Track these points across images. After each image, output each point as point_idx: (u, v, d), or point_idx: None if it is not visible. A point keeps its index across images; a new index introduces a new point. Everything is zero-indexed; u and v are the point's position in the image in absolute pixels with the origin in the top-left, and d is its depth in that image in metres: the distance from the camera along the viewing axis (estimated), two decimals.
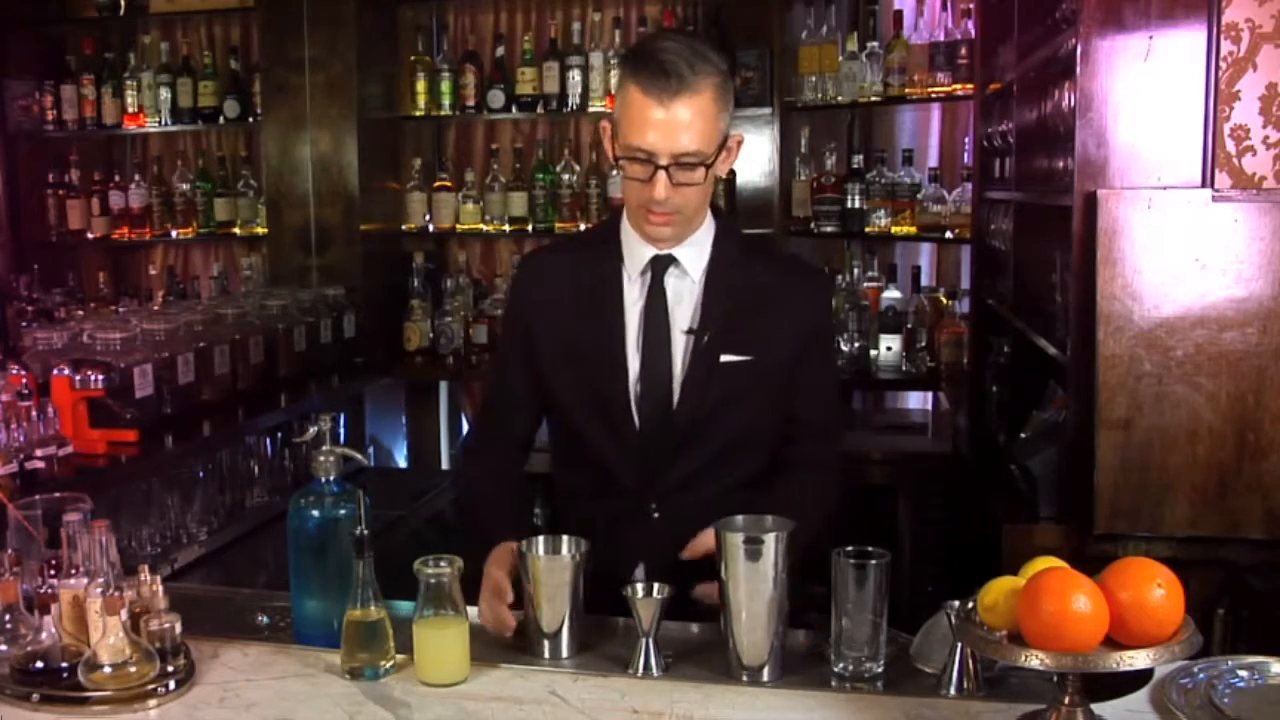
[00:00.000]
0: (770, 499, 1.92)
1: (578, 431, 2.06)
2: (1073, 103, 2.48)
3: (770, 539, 1.62)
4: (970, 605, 1.47)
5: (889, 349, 4.25)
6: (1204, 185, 2.38)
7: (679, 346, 2.01)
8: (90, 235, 5.09)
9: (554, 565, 1.73)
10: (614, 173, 4.58)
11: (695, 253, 2.03)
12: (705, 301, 2.01)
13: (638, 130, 1.87)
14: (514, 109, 4.64)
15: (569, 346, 2.04)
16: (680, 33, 1.79)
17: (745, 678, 1.64)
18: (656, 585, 1.69)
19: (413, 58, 4.74)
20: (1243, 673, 1.54)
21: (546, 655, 1.73)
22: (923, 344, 4.29)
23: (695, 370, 1.99)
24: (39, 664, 1.61)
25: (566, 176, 4.63)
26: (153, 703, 1.58)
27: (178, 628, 1.63)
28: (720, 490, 2.00)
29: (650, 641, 1.68)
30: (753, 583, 1.62)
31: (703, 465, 2.01)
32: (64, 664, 1.60)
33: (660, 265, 2.02)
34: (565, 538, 1.76)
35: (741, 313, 2.01)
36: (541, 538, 1.77)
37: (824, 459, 2.09)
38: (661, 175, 1.88)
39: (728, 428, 2.01)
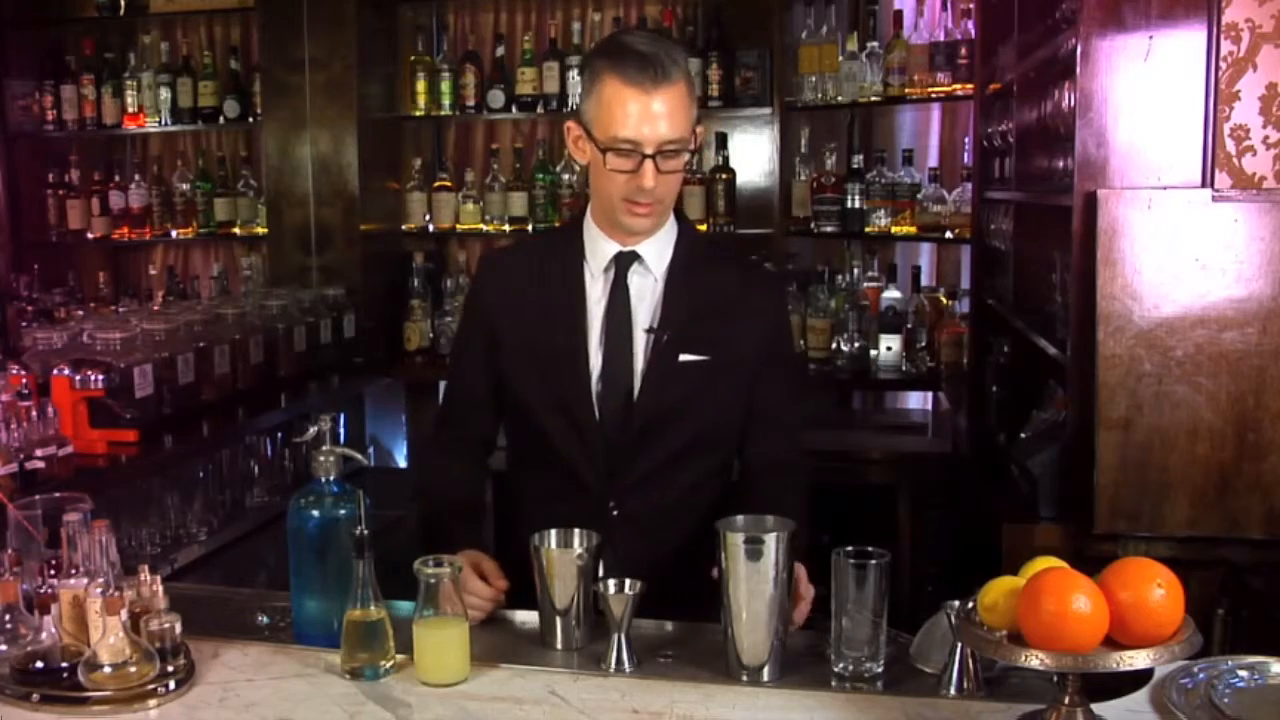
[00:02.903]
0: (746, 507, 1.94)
1: (540, 430, 2.07)
2: (1073, 103, 2.48)
3: (771, 539, 1.62)
4: (970, 605, 1.47)
5: (889, 349, 4.25)
6: (1204, 185, 2.38)
7: (640, 344, 2.04)
8: (90, 235, 5.09)
9: (567, 558, 1.75)
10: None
11: (659, 250, 2.06)
12: (666, 301, 2.04)
13: (620, 122, 1.91)
14: (514, 109, 4.64)
15: (532, 345, 2.06)
16: (643, 29, 1.83)
17: (745, 678, 1.64)
18: (629, 581, 1.70)
19: (413, 58, 4.73)
20: (1243, 673, 1.54)
21: (559, 646, 1.76)
22: (923, 344, 4.29)
23: (654, 368, 2.02)
24: (39, 664, 1.61)
25: (566, 176, 4.63)
26: (153, 703, 1.58)
27: (178, 628, 1.63)
28: (678, 490, 2.04)
29: (623, 636, 1.69)
30: (753, 582, 1.62)
31: (662, 464, 2.03)
32: (64, 664, 1.60)
33: (624, 262, 2.05)
34: (577, 531, 1.79)
35: (701, 313, 2.05)
36: (554, 531, 1.79)
37: (787, 458, 2.10)
38: (649, 164, 1.91)
39: (686, 427, 2.04)
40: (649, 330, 2.03)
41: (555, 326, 2.05)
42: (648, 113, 1.89)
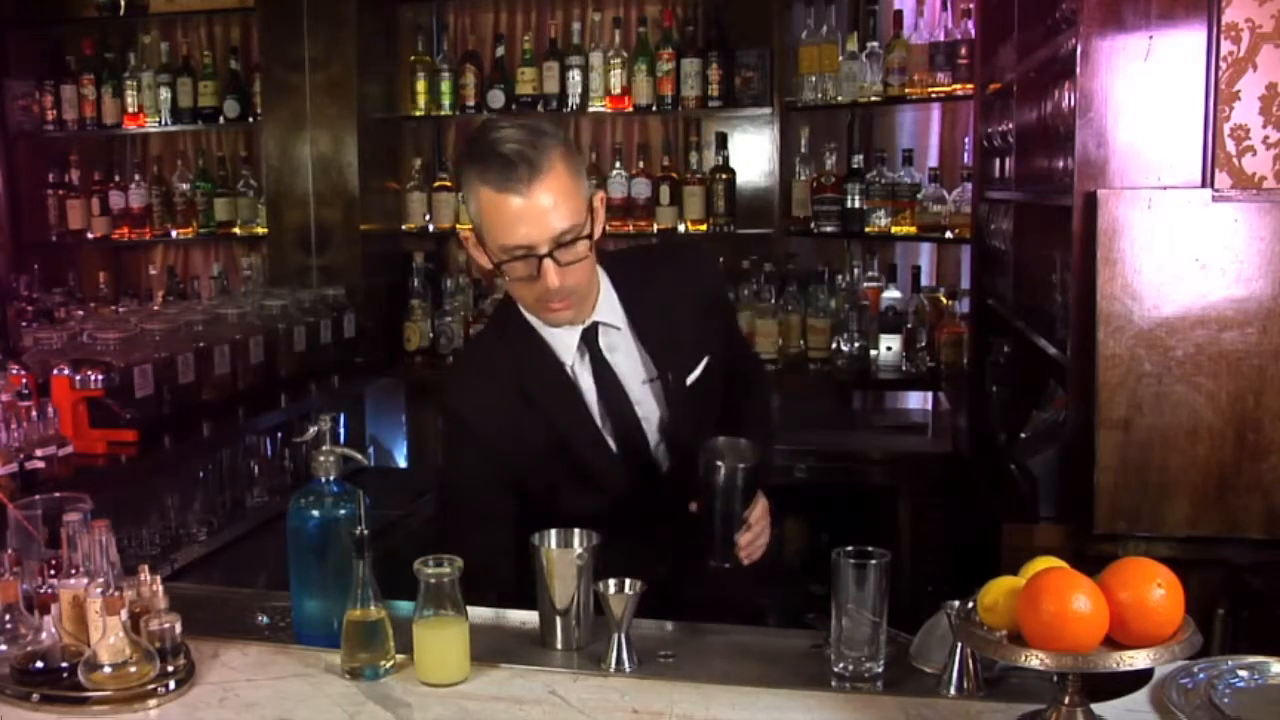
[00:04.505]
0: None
1: (568, 505, 2.01)
2: (1073, 103, 2.48)
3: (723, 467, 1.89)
4: (970, 605, 1.47)
5: (889, 349, 4.25)
6: (1204, 185, 2.38)
7: (642, 398, 2.04)
8: (90, 235, 5.09)
9: (567, 558, 1.75)
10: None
11: (609, 304, 2.03)
12: (641, 343, 2.04)
13: (507, 229, 1.82)
14: (514, 109, 4.64)
15: (542, 445, 2.01)
16: (510, 114, 1.70)
17: (718, 561, 1.92)
18: (629, 581, 1.70)
19: (413, 58, 4.74)
20: (1243, 673, 1.54)
21: (559, 646, 1.76)
22: (923, 344, 4.29)
23: (671, 408, 2.05)
24: (39, 664, 1.61)
25: None
26: (153, 703, 1.58)
27: (178, 628, 1.63)
28: None
29: (623, 636, 1.69)
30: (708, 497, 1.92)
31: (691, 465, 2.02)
32: (64, 664, 1.60)
33: (590, 335, 2.01)
34: (577, 531, 1.78)
35: (669, 329, 2.05)
36: (554, 530, 1.79)
37: (758, 381, 2.32)
38: (548, 264, 1.83)
39: (707, 428, 2.03)
40: (651, 380, 2.04)
41: (560, 422, 2.01)
42: (529, 213, 1.80)
